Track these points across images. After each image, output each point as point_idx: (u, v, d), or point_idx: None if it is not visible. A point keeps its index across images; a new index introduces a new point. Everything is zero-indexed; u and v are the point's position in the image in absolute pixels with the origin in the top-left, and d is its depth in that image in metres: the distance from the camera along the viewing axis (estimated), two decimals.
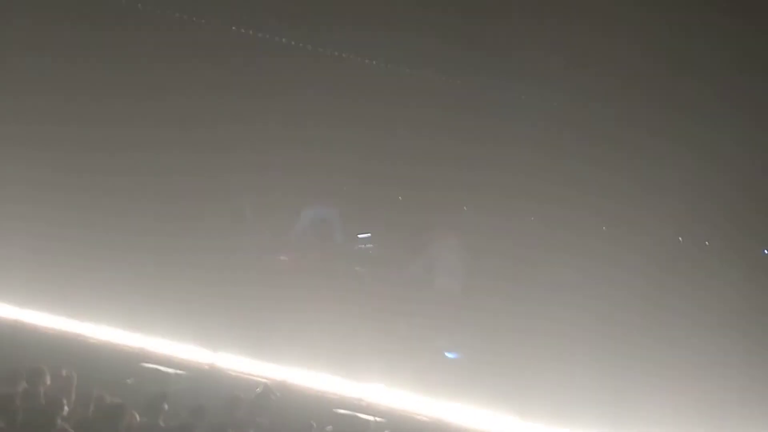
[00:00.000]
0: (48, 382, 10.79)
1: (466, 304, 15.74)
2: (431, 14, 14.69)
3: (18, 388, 10.44)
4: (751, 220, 14.57)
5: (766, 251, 15.25)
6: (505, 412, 13.16)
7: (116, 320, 15.05)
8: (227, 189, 17.09)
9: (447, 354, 15.33)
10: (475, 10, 14.64)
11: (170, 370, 13.65)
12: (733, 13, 13.18)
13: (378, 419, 12.63)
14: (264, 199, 17.25)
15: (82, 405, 10.47)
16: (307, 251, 17.16)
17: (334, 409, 12.82)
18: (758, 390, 12.91)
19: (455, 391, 13.52)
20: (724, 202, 14.41)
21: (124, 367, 13.54)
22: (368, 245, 17.31)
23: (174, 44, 16.92)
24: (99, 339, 14.67)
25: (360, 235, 17.34)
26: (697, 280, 14.46)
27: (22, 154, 16.55)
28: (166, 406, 10.61)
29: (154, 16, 16.89)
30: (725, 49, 13.58)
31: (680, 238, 15.43)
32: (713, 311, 13.97)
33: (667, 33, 13.85)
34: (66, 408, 10.12)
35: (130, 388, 12.63)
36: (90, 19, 16.91)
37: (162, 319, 14.93)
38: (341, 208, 17.32)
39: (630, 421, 13.12)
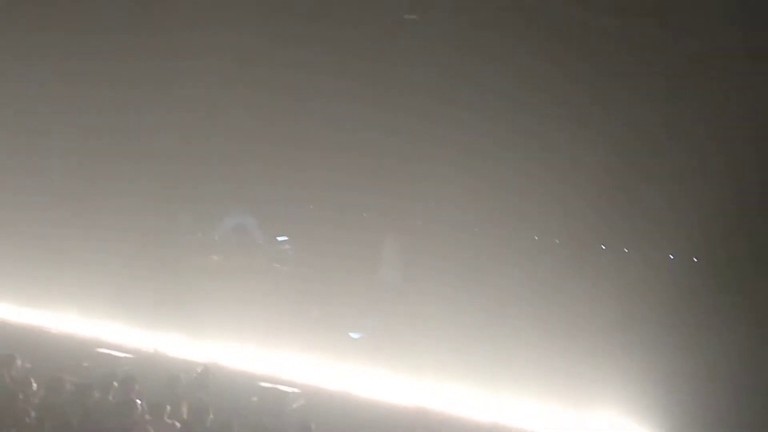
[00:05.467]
0: (19, 365, 11.05)
1: (369, 292, 15.99)
2: None
3: None
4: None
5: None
6: (404, 380, 12.95)
7: (74, 311, 14.99)
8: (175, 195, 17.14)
9: (351, 334, 15.53)
10: None
11: (120, 354, 13.62)
12: None
13: (295, 390, 12.61)
14: (200, 207, 17.44)
15: (48, 386, 10.58)
16: (234, 251, 17.32)
17: (258, 383, 12.78)
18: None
19: (359, 366, 13.42)
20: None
21: (80, 352, 13.62)
22: (286, 246, 17.56)
23: None
24: (59, 329, 14.72)
25: (279, 238, 17.63)
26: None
27: None
28: (116, 384, 10.86)
29: None
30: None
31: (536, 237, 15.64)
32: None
33: None
34: (34, 388, 10.48)
35: (86, 370, 12.71)
36: None
37: (114, 310, 14.85)
38: (265, 213, 17.40)
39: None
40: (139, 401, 10.46)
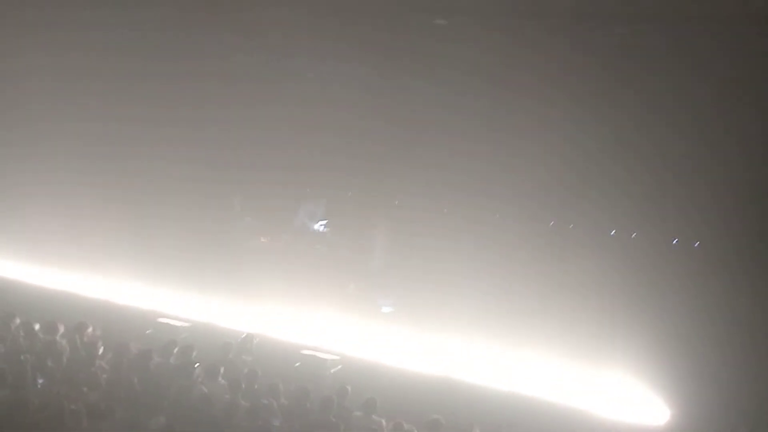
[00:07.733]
0: (90, 332, 11.44)
1: (399, 270, 16.30)
2: None
3: (56, 335, 11.07)
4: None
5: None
6: (429, 348, 13.29)
7: (140, 285, 15.65)
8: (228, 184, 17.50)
9: (383, 307, 15.88)
10: None
11: (179, 324, 13.99)
12: None
13: (333, 357, 13.00)
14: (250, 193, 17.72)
15: (115, 350, 11.00)
16: (281, 234, 17.73)
17: (301, 351, 13.13)
18: None
19: (389, 335, 13.90)
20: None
21: (145, 321, 14.14)
22: (326, 229, 17.84)
23: None
24: (126, 302, 15.19)
25: (320, 221, 17.87)
26: None
27: None
28: (175, 350, 11.28)
29: None
30: None
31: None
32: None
33: None
34: (101, 351, 10.97)
35: (149, 336, 13.27)
36: None
37: (175, 285, 15.49)
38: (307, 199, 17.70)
39: None
40: (196, 364, 10.79)
